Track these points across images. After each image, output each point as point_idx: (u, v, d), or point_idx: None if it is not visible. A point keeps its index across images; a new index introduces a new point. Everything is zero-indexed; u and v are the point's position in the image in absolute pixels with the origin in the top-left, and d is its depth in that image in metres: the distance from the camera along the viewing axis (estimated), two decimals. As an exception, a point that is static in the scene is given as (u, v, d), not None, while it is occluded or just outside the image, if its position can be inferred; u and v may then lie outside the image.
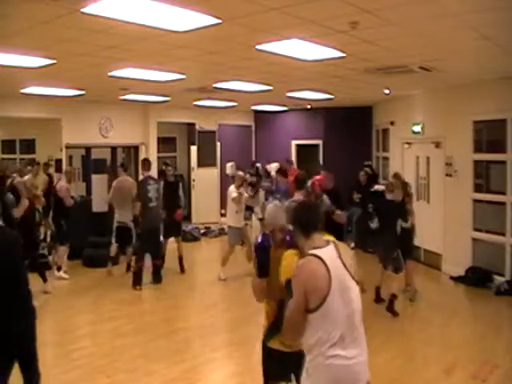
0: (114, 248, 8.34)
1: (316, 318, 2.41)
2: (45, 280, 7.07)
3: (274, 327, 2.88)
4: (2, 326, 3.14)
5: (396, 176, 7.19)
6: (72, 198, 8.26)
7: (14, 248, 3.26)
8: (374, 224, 6.50)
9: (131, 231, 8.12)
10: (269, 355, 3.08)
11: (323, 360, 2.40)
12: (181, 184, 8.46)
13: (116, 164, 11.07)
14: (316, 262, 2.43)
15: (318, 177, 7.22)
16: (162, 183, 8.17)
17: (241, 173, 8.82)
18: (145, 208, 7.54)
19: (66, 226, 8.13)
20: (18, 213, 6.35)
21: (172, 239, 8.49)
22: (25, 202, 6.55)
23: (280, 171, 8.42)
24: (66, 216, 8.11)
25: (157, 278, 7.76)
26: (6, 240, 3.25)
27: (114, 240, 8.30)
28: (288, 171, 8.53)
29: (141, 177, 8.47)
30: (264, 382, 3.17)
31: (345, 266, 2.49)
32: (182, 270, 8.35)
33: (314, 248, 2.50)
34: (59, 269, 8.11)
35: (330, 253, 2.50)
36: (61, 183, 8.14)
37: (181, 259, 8.39)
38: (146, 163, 8.18)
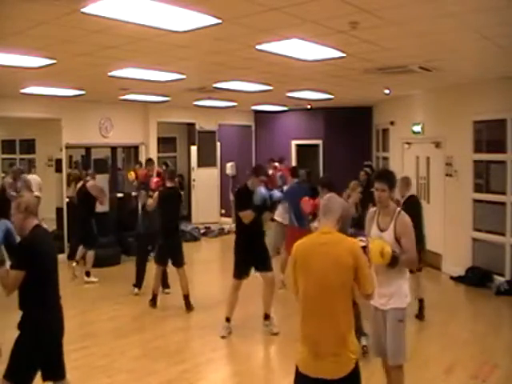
0: None
1: None
2: None
3: None
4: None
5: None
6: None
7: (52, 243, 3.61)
8: None
9: None
10: None
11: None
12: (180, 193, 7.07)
13: (116, 164, 11.10)
14: None
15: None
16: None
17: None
18: None
19: (95, 228, 8.20)
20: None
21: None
22: None
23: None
24: (94, 217, 8.18)
25: None
26: (48, 235, 3.59)
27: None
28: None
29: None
30: None
31: None
32: (188, 307, 6.53)
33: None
34: (88, 274, 8.05)
35: None
36: (91, 182, 8.23)
37: (186, 297, 6.55)
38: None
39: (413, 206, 5.92)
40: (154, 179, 7.61)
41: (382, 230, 3.68)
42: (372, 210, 3.88)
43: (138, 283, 7.31)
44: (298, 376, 2.84)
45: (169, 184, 6.73)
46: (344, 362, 2.71)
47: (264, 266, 5.64)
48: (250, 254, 5.58)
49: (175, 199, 6.67)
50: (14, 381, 3.22)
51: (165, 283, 7.24)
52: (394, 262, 3.49)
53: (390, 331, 3.66)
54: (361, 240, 3.71)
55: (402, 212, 3.70)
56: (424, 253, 6.17)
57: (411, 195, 6.27)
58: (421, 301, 6.06)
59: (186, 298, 6.52)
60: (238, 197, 5.78)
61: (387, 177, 3.78)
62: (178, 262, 6.53)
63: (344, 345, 2.71)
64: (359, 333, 5.16)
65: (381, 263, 3.48)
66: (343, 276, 2.75)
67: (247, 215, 5.50)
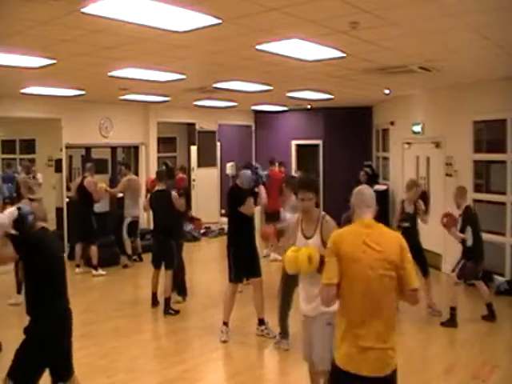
0: (129, 243, 9.00)
1: None
2: None
3: None
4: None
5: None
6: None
7: (60, 246, 3.54)
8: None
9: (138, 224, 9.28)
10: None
11: None
12: (173, 193, 6.65)
13: (116, 164, 11.11)
14: None
15: None
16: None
17: None
18: None
19: (95, 224, 8.37)
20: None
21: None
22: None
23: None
24: (93, 213, 8.38)
25: None
26: (55, 238, 3.59)
27: (126, 235, 8.94)
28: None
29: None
30: None
31: None
32: (166, 311, 6.34)
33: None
34: (96, 268, 8.28)
35: None
36: (88, 179, 8.42)
37: (166, 301, 6.39)
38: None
39: (471, 217, 5.93)
40: (151, 178, 7.62)
41: (307, 238, 3.65)
42: (293, 217, 3.79)
43: (179, 289, 6.90)
44: (336, 375, 2.74)
45: (158, 187, 6.66)
46: (386, 360, 2.66)
47: (252, 271, 5.59)
48: (241, 258, 5.55)
49: (165, 201, 6.50)
50: (16, 381, 3.23)
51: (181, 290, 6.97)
52: (322, 267, 3.33)
53: (318, 335, 3.57)
54: None
55: (327, 216, 3.69)
56: (481, 264, 6.01)
57: (467, 206, 6.10)
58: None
59: (167, 301, 6.39)
60: (232, 195, 5.68)
61: (312, 185, 3.79)
62: (168, 264, 6.51)
63: (388, 340, 2.66)
64: None
65: (310, 269, 3.38)
66: (392, 270, 2.66)
67: (249, 206, 5.49)
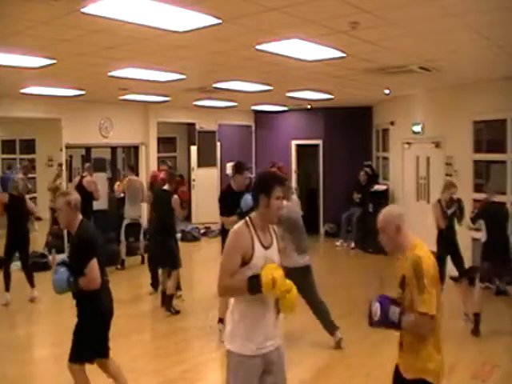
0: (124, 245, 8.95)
1: None
2: (32, 285, 6.83)
3: None
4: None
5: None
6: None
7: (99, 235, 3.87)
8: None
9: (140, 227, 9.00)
10: None
11: None
12: (175, 196, 6.63)
13: (116, 164, 11.13)
14: None
15: None
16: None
17: None
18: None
19: (93, 223, 8.29)
20: None
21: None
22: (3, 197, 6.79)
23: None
24: (92, 213, 8.30)
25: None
26: (95, 231, 3.84)
27: (123, 237, 8.88)
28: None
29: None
30: None
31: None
32: (168, 309, 6.41)
33: None
34: None
35: None
36: (87, 178, 8.44)
37: (169, 298, 6.46)
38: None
39: (488, 212, 5.72)
40: (158, 174, 7.65)
41: (266, 248, 2.84)
42: (240, 224, 2.85)
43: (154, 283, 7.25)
44: None
45: (165, 186, 6.67)
46: None
47: None
48: None
49: (166, 202, 6.50)
50: (79, 361, 3.55)
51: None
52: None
53: (282, 366, 3.06)
54: None
55: None
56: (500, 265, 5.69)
57: (492, 201, 5.94)
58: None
59: (170, 298, 6.43)
60: (221, 200, 5.68)
61: (285, 181, 3.11)
62: (171, 264, 6.50)
63: None
64: (333, 326, 5.21)
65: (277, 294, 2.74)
66: None
67: (230, 221, 5.05)
